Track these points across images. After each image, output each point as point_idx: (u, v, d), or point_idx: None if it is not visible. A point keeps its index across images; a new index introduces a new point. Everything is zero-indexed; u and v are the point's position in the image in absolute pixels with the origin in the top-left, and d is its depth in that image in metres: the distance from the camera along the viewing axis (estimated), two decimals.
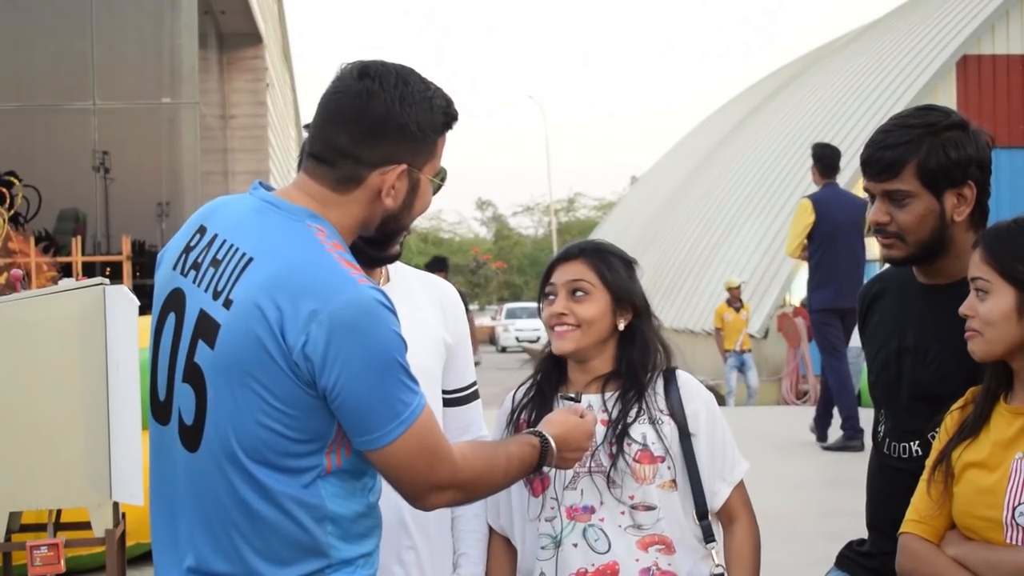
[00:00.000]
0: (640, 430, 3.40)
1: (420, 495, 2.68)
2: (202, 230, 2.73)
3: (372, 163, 2.67)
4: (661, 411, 3.44)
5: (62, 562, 5.22)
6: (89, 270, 11.05)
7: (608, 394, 3.46)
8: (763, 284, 27.20)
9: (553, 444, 2.97)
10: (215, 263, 2.64)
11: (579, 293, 3.46)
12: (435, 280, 3.60)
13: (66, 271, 10.96)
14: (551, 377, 3.56)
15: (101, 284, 5.35)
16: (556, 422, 3.06)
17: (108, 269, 11.42)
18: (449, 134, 2.80)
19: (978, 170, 3.26)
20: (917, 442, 3.33)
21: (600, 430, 3.39)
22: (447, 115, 2.76)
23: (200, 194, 21.79)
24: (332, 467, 2.61)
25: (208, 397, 2.60)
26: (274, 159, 30.20)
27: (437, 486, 2.66)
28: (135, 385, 5.48)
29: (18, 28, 20.08)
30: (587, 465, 3.38)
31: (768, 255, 27.84)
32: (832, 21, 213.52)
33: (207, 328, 2.61)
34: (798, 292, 25.84)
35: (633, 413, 3.41)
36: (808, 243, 11.26)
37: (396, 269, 3.49)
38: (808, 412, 15.00)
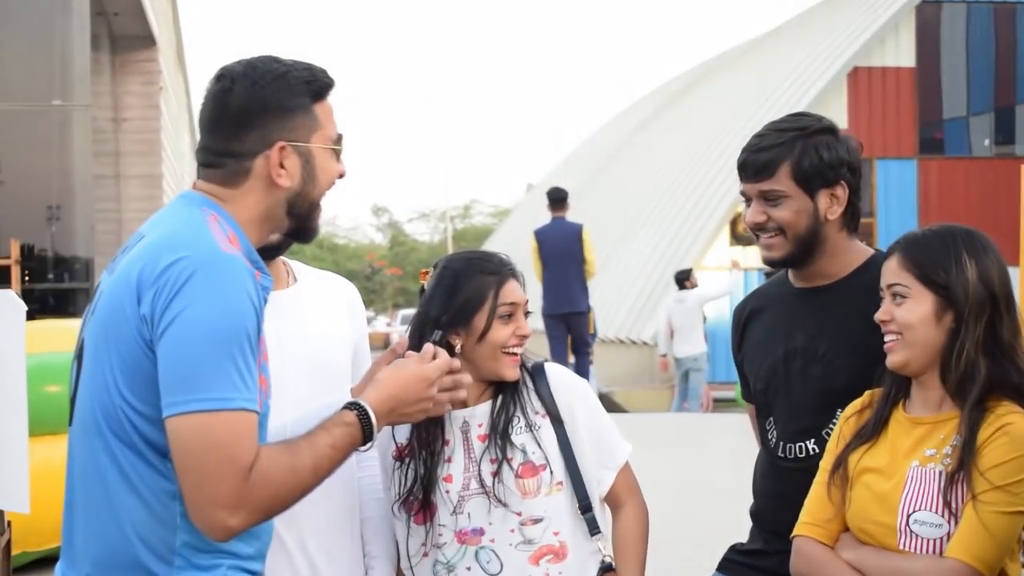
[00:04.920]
0: (520, 440, 3.35)
1: (204, 508, 2.45)
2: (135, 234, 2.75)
3: (251, 152, 2.69)
4: (537, 412, 3.40)
5: None
6: None
7: (490, 403, 3.40)
8: (657, 290, 27.38)
9: (372, 413, 2.70)
10: (125, 250, 2.67)
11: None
12: (338, 279, 3.64)
13: None
14: None
15: None
16: (383, 381, 2.79)
17: None
18: (332, 101, 2.80)
19: (849, 172, 3.39)
20: (812, 440, 3.39)
21: (479, 446, 3.36)
22: (312, 83, 2.75)
23: (91, 198, 21.53)
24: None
25: (83, 366, 2.62)
26: (167, 163, 29.86)
27: (222, 502, 2.44)
28: (22, 391, 5.39)
29: None
30: (471, 487, 3.33)
31: (663, 261, 28.03)
32: (728, 31, 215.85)
33: (98, 301, 2.64)
34: None
35: (512, 422, 3.37)
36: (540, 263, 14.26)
37: (300, 270, 3.52)
38: (712, 419, 15.12)
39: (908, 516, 2.98)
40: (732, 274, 19.89)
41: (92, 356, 2.59)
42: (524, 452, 3.35)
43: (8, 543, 5.50)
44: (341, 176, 2.82)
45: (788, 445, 3.43)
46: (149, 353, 2.49)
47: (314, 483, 2.61)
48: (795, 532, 3.18)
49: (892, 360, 3.09)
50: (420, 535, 3.37)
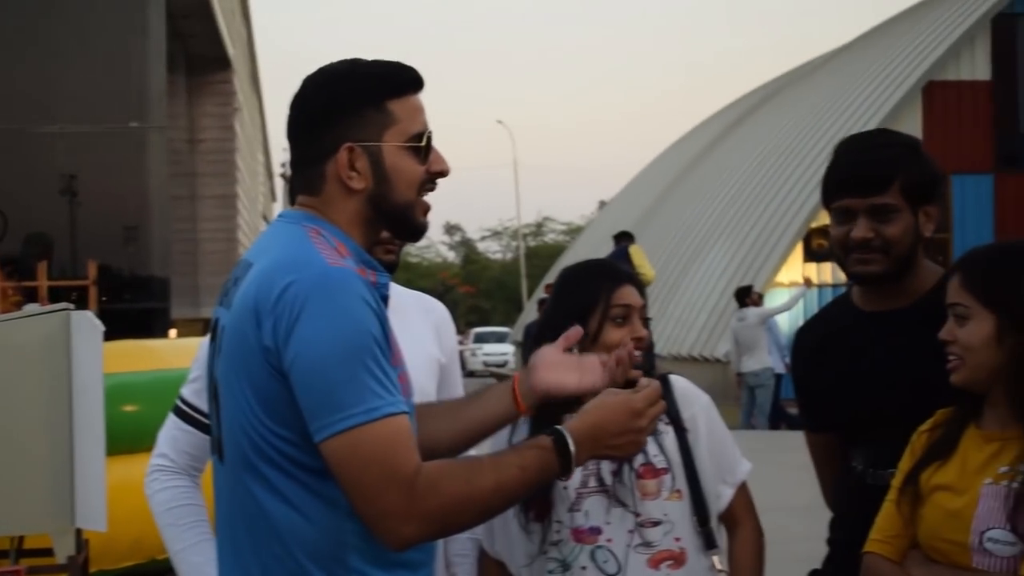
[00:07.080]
0: None
1: (377, 521, 2.41)
2: (241, 262, 2.73)
3: (321, 156, 2.62)
4: (661, 420, 3.30)
5: None
6: (55, 295, 10.99)
7: None
8: (731, 307, 27.28)
9: (570, 439, 2.56)
10: (236, 282, 2.63)
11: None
12: (427, 299, 3.62)
13: (31, 296, 10.91)
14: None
15: (66, 309, 5.33)
16: (588, 409, 2.64)
17: (75, 294, 11.36)
18: (418, 96, 2.67)
19: (938, 191, 3.33)
20: None
21: None
22: (384, 79, 2.64)
23: (168, 218, 21.75)
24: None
25: (221, 406, 2.59)
26: (242, 183, 30.11)
27: (391, 513, 2.40)
28: (100, 411, 5.44)
29: None
30: (589, 484, 3.33)
31: (736, 278, 27.90)
32: (802, 46, 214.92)
33: (221, 338, 2.61)
34: None
35: None
36: None
37: (391, 290, 3.49)
38: (776, 437, 14.99)
39: (982, 534, 2.90)
40: (796, 289, 19.96)
41: (228, 394, 2.56)
42: (645, 454, 3.34)
43: (86, 561, 5.55)
44: (432, 174, 2.68)
45: (879, 473, 3.33)
46: (282, 379, 2.46)
47: (499, 502, 2.53)
48: (865, 549, 3.13)
49: (954, 379, 3.02)
50: (537, 533, 3.37)
